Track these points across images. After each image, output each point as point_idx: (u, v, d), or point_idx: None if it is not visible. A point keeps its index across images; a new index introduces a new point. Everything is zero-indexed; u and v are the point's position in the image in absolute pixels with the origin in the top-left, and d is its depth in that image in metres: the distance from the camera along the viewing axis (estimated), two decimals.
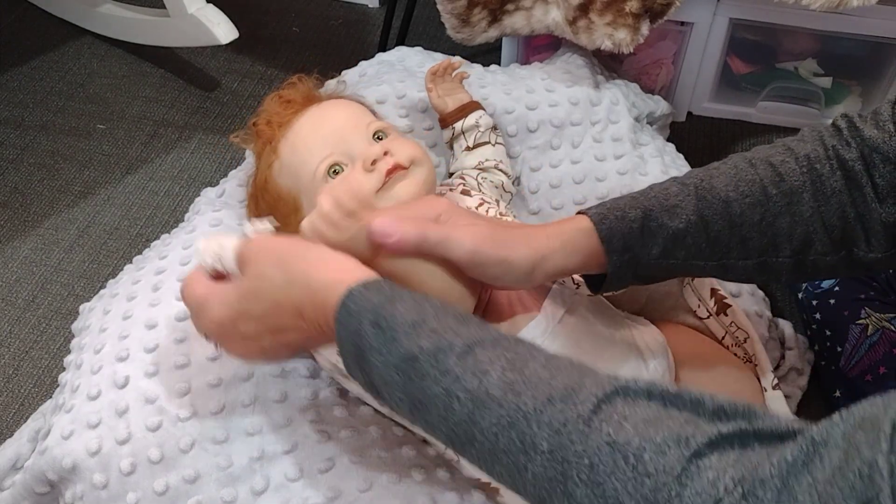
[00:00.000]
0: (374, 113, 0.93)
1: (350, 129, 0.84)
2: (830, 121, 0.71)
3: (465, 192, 0.91)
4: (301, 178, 0.83)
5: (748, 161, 0.70)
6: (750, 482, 0.41)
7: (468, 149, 0.98)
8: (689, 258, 0.70)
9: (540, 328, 0.81)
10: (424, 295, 0.58)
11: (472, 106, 0.99)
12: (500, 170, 0.97)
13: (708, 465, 0.43)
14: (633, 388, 0.48)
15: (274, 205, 0.87)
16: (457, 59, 1.02)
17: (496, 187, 0.96)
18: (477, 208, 0.88)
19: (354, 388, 0.80)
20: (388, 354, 0.54)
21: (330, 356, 0.79)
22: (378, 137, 0.85)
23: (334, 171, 0.82)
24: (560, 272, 0.70)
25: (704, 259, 0.71)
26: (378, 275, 0.60)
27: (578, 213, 0.72)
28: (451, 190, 0.92)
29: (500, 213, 0.88)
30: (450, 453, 0.80)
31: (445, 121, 0.99)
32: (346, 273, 0.59)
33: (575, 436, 0.46)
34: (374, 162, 0.81)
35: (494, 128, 1.00)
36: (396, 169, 0.81)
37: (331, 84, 1.04)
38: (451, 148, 1.01)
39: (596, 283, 0.74)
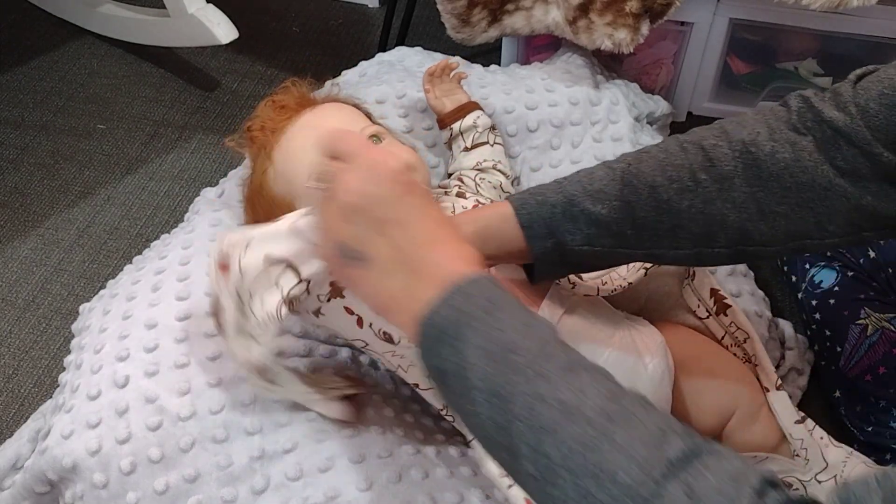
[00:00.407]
0: (369, 115, 0.93)
1: None
2: (779, 102, 0.68)
3: (461, 195, 0.91)
4: (295, 186, 0.84)
5: (680, 144, 0.68)
6: None
7: (466, 149, 0.98)
8: (615, 246, 0.69)
9: None
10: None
11: (470, 106, 0.99)
12: (499, 170, 0.97)
13: None
14: (721, 447, 0.48)
15: (270, 209, 0.87)
16: (455, 59, 1.02)
17: (494, 188, 0.96)
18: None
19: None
20: (486, 340, 0.51)
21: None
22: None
23: None
24: None
25: (632, 248, 0.69)
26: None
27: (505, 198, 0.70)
28: (446, 193, 0.92)
29: None
30: (451, 451, 0.80)
31: (443, 122, 0.99)
32: (477, 262, 0.56)
33: (658, 476, 0.45)
34: None
35: (493, 128, 1.00)
36: None
37: (327, 86, 1.04)
38: (450, 148, 1.01)
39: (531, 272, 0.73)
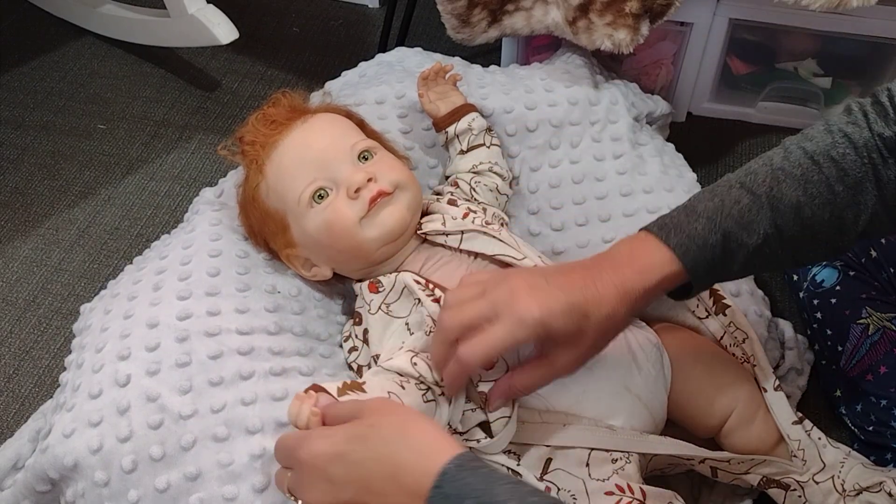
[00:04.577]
0: (362, 122, 0.93)
1: (334, 152, 0.84)
2: (859, 105, 0.73)
3: (452, 203, 0.91)
4: (288, 201, 0.84)
5: (811, 158, 0.71)
6: None
7: (462, 152, 0.98)
8: (766, 265, 0.74)
9: None
10: (510, 476, 0.64)
11: (465, 109, 0.99)
12: (495, 172, 0.96)
13: None
14: None
15: (263, 220, 0.88)
16: (450, 61, 1.01)
17: (490, 191, 0.96)
18: (462, 219, 0.87)
19: None
20: None
21: None
22: (363, 157, 0.85)
23: (319, 195, 0.83)
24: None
25: (780, 262, 0.74)
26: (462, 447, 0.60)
27: (646, 231, 0.72)
28: (437, 200, 0.92)
29: (486, 222, 0.88)
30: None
31: (438, 125, 0.99)
32: (440, 450, 0.59)
33: None
34: (357, 190, 0.81)
35: (489, 129, 0.99)
36: (380, 195, 0.81)
37: (320, 92, 1.04)
38: (447, 151, 1.00)
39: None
